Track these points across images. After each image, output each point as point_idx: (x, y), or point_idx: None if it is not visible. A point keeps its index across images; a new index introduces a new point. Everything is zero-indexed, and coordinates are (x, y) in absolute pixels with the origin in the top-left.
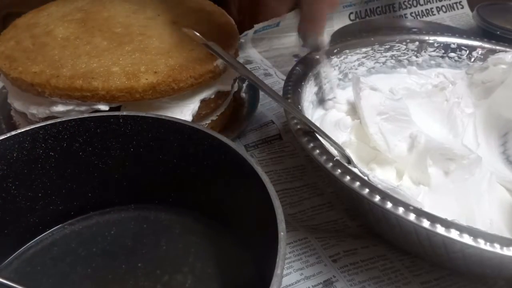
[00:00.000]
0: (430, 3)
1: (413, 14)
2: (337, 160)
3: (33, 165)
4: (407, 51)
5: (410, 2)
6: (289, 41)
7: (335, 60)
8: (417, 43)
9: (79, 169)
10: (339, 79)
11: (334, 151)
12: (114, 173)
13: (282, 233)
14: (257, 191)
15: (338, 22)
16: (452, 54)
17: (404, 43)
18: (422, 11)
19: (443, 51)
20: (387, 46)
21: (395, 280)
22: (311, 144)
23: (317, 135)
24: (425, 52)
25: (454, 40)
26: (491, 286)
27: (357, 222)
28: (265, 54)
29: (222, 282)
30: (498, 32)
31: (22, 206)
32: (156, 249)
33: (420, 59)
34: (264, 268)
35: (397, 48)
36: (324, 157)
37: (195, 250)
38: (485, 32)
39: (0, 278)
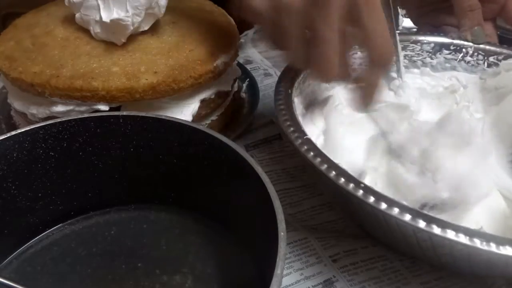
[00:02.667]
0: None
1: None
2: (332, 162)
3: (33, 165)
4: (422, 52)
5: None
6: None
7: None
8: (432, 44)
9: (79, 169)
10: None
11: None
12: (114, 173)
13: (282, 233)
14: (257, 191)
15: None
16: (468, 58)
17: (419, 44)
18: None
19: (459, 54)
20: (401, 46)
21: (395, 281)
22: (300, 141)
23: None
24: (440, 54)
25: (471, 44)
26: (490, 286)
27: (357, 222)
28: (265, 54)
29: (222, 282)
30: (498, 32)
31: (22, 206)
32: (156, 249)
33: (434, 61)
34: (264, 268)
35: (411, 48)
36: (321, 162)
37: (195, 250)
38: None
39: (0, 277)
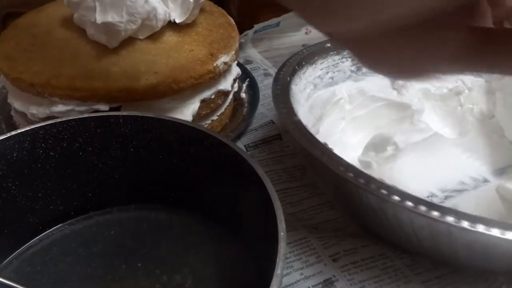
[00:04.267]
0: None
1: None
2: (332, 152)
3: (33, 165)
4: None
5: None
6: (289, 41)
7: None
8: None
9: (79, 169)
10: (351, 71)
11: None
12: (114, 173)
13: (282, 233)
14: (257, 191)
15: None
16: None
17: None
18: None
19: None
20: None
21: (395, 279)
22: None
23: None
24: None
25: None
26: (491, 284)
27: (356, 217)
28: (265, 54)
29: (222, 282)
30: None
31: (22, 206)
32: (156, 249)
33: None
34: (264, 268)
35: None
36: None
37: (195, 250)
38: None
39: (0, 277)
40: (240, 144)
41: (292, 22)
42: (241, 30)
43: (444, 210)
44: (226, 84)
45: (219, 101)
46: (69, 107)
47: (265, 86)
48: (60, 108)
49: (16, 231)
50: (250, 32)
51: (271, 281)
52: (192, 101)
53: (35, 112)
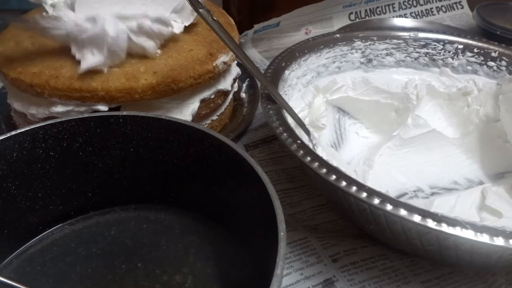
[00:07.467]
0: (430, 3)
1: (413, 14)
2: (306, 146)
3: (33, 165)
4: (444, 52)
5: (410, 2)
6: (289, 41)
7: (358, 43)
8: (455, 45)
9: (79, 169)
10: (361, 63)
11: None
12: (114, 173)
13: (282, 233)
14: (257, 191)
15: (338, 22)
16: (491, 63)
17: (441, 43)
18: (422, 11)
19: (482, 58)
20: (422, 43)
21: (395, 280)
22: (280, 129)
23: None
24: (463, 56)
25: (496, 48)
26: (491, 284)
27: (356, 223)
28: (265, 54)
29: (222, 282)
30: (498, 32)
31: (22, 206)
32: (156, 249)
33: (456, 62)
34: (264, 268)
35: (433, 46)
36: (299, 149)
37: (195, 250)
38: (485, 32)
39: (0, 277)
40: (240, 144)
41: (292, 22)
42: (241, 30)
43: (438, 218)
44: (225, 84)
45: (219, 101)
46: (69, 108)
47: None
48: (59, 108)
49: (16, 231)
50: (250, 32)
51: (271, 281)
52: (191, 101)
53: (34, 113)
